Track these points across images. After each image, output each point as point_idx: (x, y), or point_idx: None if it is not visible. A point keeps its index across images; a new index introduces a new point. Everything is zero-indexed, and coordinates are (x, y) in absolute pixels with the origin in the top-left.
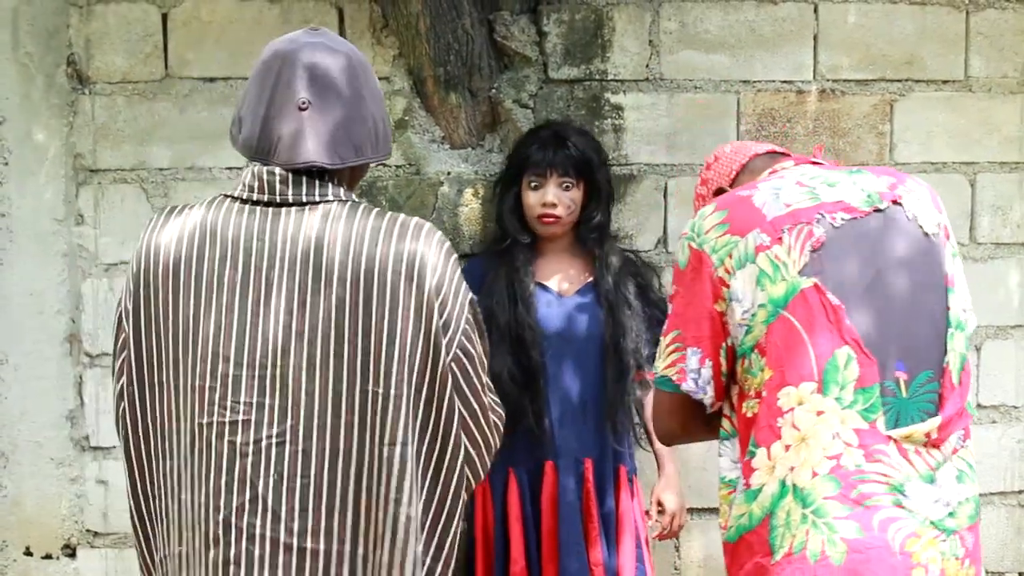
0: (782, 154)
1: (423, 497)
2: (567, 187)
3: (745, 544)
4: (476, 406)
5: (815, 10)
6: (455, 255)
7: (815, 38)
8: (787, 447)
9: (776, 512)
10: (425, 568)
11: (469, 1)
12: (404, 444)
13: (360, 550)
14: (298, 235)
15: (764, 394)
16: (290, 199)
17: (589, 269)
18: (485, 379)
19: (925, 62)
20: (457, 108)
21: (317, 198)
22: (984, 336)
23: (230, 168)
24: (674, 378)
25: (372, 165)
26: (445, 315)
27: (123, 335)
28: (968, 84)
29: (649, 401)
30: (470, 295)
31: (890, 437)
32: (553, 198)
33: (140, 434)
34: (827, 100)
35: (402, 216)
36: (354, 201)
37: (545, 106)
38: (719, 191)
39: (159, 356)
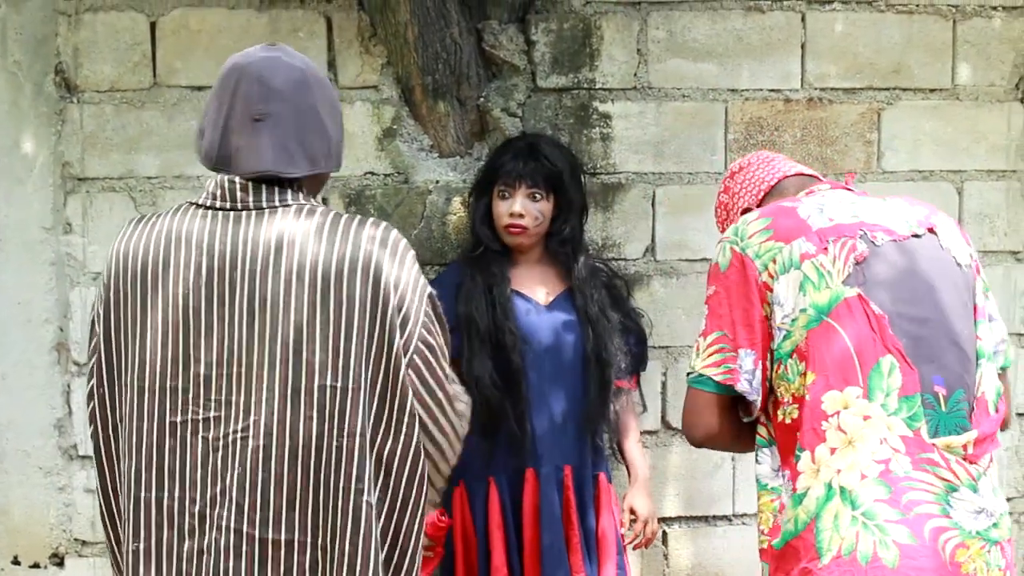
0: (811, 176)
1: (378, 486)
2: (536, 198)
3: (791, 550)
4: (441, 395)
5: (803, 19)
6: (412, 252)
7: (803, 47)
8: (833, 450)
9: (822, 515)
10: (384, 555)
11: (457, 10)
12: (361, 435)
13: (319, 540)
14: (259, 237)
15: (807, 398)
16: (251, 205)
17: (562, 279)
18: (448, 369)
19: (912, 70)
20: (445, 117)
21: (277, 203)
22: None
23: None
24: (720, 378)
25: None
26: (404, 309)
27: (95, 339)
28: (955, 92)
29: (624, 410)
30: (428, 289)
31: (934, 445)
32: (520, 208)
33: (109, 433)
34: (815, 108)
35: (359, 216)
36: (312, 205)
37: (533, 115)
38: (746, 210)
39: (127, 358)
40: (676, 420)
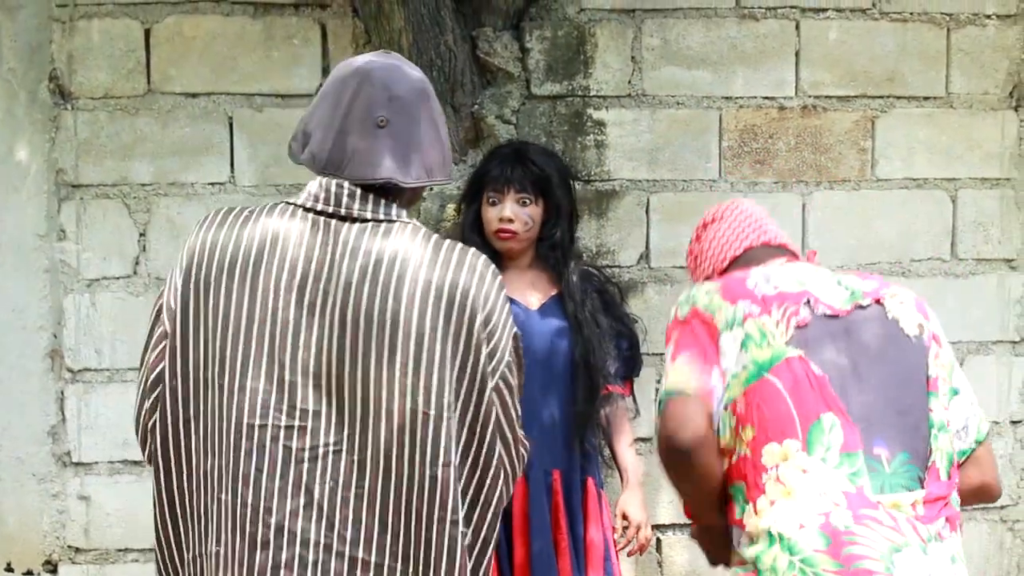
0: (778, 246)
1: (463, 517)
2: (525, 203)
3: None
4: (510, 436)
5: (797, 27)
6: (505, 288)
7: (797, 55)
8: (772, 502)
9: (762, 558)
10: None
11: (452, 17)
12: (452, 466)
13: (409, 568)
14: (359, 250)
15: (748, 454)
16: (355, 214)
17: (553, 284)
18: (519, 411)
19: (906, 79)
20: None
21: (382, 216)
22: (965, 352)
23: (212, 183)
24: (696, 385)
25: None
26: (491, 345)
27: (160, 328)
28: (949, 100)
29: (617, 415)
30: (515, 329)
31: (879, 503)
32: (510, 213)
33: (180, 428)
34: (809, 116)
35: (460, 245)
36: (415, 224)
37: (528, 122)
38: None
39: (207, 353)
40: None
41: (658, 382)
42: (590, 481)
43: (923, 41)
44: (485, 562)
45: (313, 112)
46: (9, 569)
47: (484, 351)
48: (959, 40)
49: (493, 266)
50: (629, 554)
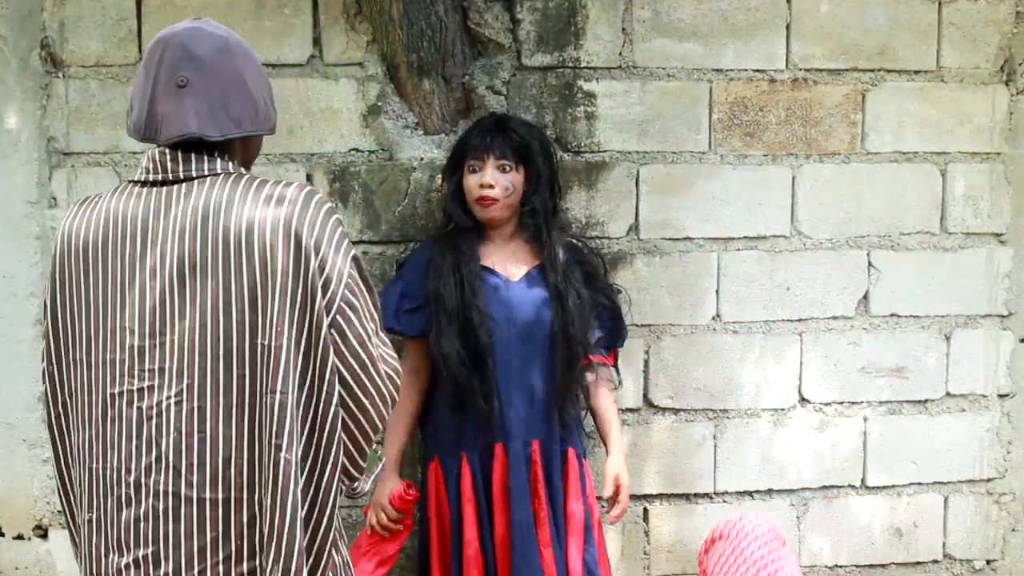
0: None
1: (302, 444)
2: (505, 169)
3: None
4: (364, 356)
5: None
6: (336, 215)
7: (788, 27)
8: None
9: None
10: (303, 514)
11: None
12: (284, 393)
13: (256, 496)
14: (187, 207)
15: None
16: (180, 175)
17: (536, 255)
18: (374, 330)
19: (897, 52)
20: (430, 94)
21: (206, 172)
22: (954, 325)
23: None
24: None
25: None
26: (326, 271)
27: (45, 319)
28: (940, 74)
29: (599, 384)
30: (352, 251)
31: None
32: (490, 179)
33: (60, 409)
34: (799, 89)
35: (284, 181)
36: (240, 172)
37: (518, 93)
38: None
39: (74, 336)
40: (658, 397)
41: (646, 352)
42: (571, 452)
43: (914, 14)
44: (324, 488)
45: (135, 85)
46: (0, 533)
47: (318, 277)
48: (950, 14)
49: (319, 194)
50: (614, 520)
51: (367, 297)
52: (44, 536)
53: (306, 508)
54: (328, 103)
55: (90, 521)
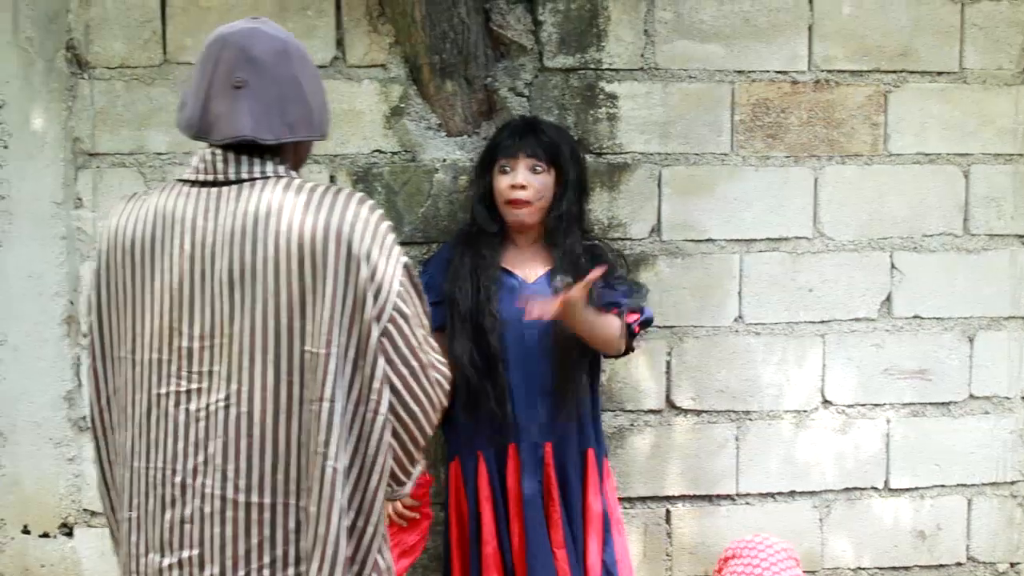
0: None
1: (349, 452)
2: (537, 170)
3: None
4: (415, 363)
5: (810, 1)
6: (387, 222)
7: (810, 29)
8: None
9: None
10: (348, 522)
11: None
12: (332, 400)
13: (302, 502)
14: (237, 210)
15: None
16: (231, 177)
17: (554, 257)
18: (422, 336)
19: (920, 53)
20: (453, 96)
21: (257, 175)
22: (977, 327)
23: None
24: None
25: (314, 144)
26: (377, 278)
27: (91, 315)
28: (963, 76)
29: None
30: (403, 259)
31: None
32: (523, 180)
33: (103, 405)
34: (821, 91)
35: (336, 187)
36: (291, 177)
37: (540, 95)
38: None
39: (119, 333)
40: (680, 399)
41: (668, 354)
42: (590, 452)
43: (937, 16)
44: (370, 496)
45: (190, 82)
46: (26, 531)
47: (368, 285)
48: (973, 15)
49: (371, 201)
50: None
51: (417, 304)
52: (69, 534)
53: (352, 516)
54: (351, 104)
55: (130, 519)
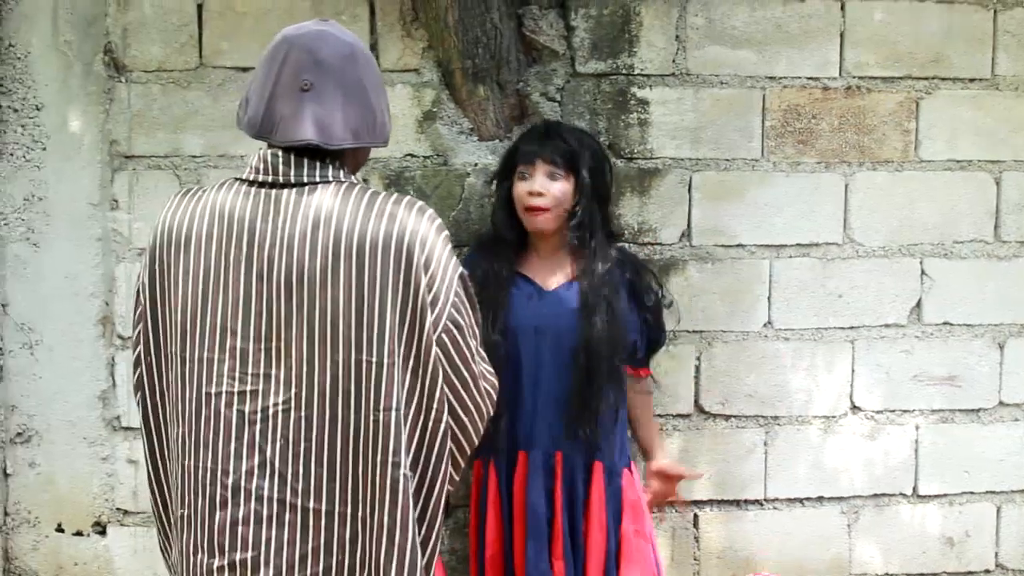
0: None
1: (409, 460)
2: (555, 177)
3: None
4: (467, 374)
5: (842, 7)
6: (445, 232)
7: (841, 35)
8: None
9: None
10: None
11: None
12: (396, 410)
13: (360, 512)
14: (297, 214)
15: None
16: (292, 179)
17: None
18: (475, 348)
19: (951, 60)
20: (485, 101)
21: (317, 179)
22: (1008, 334)
23: None
24: None
25: (377, 150)
26: (434, 288)
27: (140, 308)
28: (995, 82)
29: (635, 398)
30: (460, 269)
31: None
32: (540, 187)
33: (156, 400)
34: (853, 97)
35: (396, 195)
36: (351, 182)
37: (572, 100)
38: None
39: (171, 328)
40: (709, 404)
41: (697, 358)
42: (596, 465)
43: (969, 23)
44: (432, 506)
45: (253, 80)
46: (60, 530)
47: (423, 295)
48: (1005, 22)
49: (430, 211)
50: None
51: (471, 315)
52: (103, 533)
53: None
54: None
55: (182, 517)
